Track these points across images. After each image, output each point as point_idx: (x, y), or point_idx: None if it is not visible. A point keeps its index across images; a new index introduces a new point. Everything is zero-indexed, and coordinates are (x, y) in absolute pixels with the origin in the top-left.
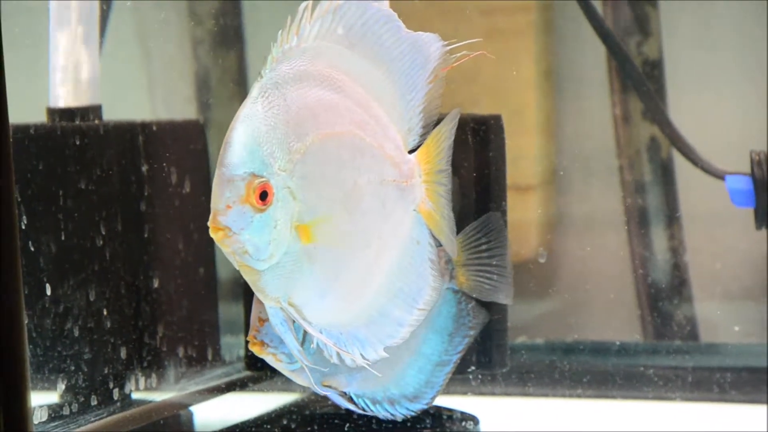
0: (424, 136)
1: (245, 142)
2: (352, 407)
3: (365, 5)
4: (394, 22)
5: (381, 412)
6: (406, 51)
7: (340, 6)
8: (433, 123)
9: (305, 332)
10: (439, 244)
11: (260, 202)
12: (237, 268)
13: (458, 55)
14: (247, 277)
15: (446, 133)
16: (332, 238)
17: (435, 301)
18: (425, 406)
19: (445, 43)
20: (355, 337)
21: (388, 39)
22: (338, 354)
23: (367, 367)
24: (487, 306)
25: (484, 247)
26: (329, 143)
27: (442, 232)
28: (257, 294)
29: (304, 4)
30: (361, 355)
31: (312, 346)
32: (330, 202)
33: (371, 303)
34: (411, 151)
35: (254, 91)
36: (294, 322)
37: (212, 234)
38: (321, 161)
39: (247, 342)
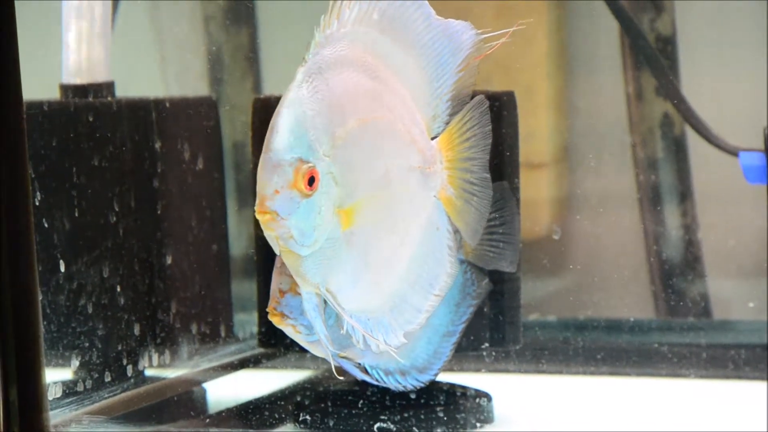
0: (449, 124)
1: (292, 127)
2: (366, 378)
3: None
4: (425, 8)
5: (393, 383)
6: (436, 38)
7: None
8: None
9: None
10: (456, 231)
11: (308, 187)
12: (278, 253)
13: (492, 44)
14: (289, 262)
15: (470, 120)
16: (367, 224)
17: (450, 286)
18: (433, 377)
19: (479, 31)
20: (380, 322)
21: (420, 25)
22: (364, 339)
23: (389, 349)
24: (501, 282)
25: (491, 216)
26: (368, 129)
27: (462, 219)
28: (297, 279)
29: None
30: (385, 340)
31: (342, 331)
32: (366, 188)
33: (395, 289)
34: (434, 138)
35: (299, 76)
36: (325, 306)
37: (259, 217)
38: (360, 147)
39: (261, 317)
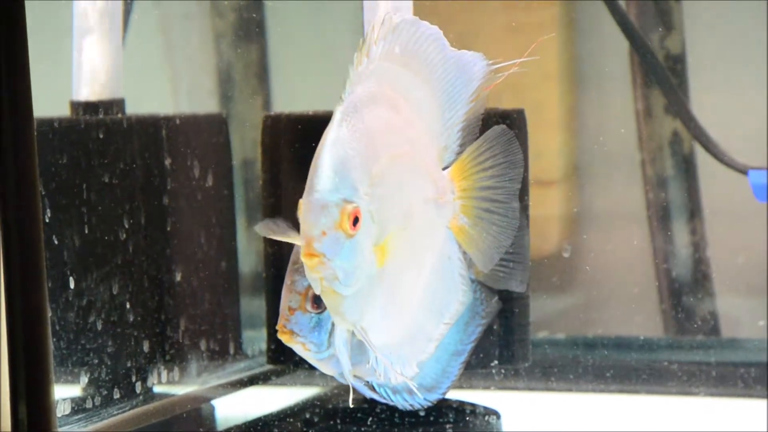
0: (460, 154)
1: (336, 167)
2: (375, 396)
3: (417, 23)
4: (440, 40)
5: (400, 402)
6: (450, 69)
7: (398, 25)
8: (471, 141)
9: (333, 326)
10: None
11: (352, 227)
12: (318, 292)
13: (502, 75)
14: (330, 302)
15: (489, 149)
16: (395, 259)
17: (460, 314)
18: (441, 396)
19: (490, 62)
20: (399, 355)
21: (435, 57)
22: (385, 371)
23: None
24: (510, 299)
25: None
26: (396, 164)
27: (476, 247)
28: (335, 318)
29: (370, 24)
30: (402, 372)
31: (367, 366)
32: (395, 223)
33: (413, 320)
34: (445, 168)
35: (337, 116)
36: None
37: (306, 260)
38: (391, 183)
39: (270, 334)
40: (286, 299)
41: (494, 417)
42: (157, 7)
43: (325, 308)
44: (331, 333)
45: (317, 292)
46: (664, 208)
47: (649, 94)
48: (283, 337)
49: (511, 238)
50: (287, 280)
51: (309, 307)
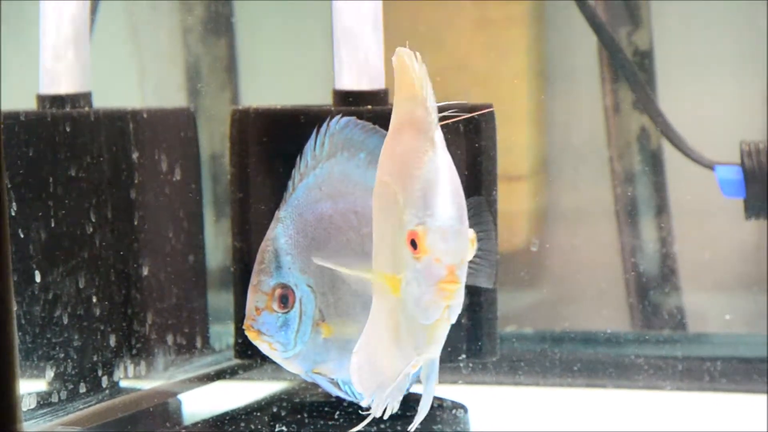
0: None
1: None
2: (340, 393)
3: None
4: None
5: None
6: None
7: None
8: None
9: (300, 325)
10: None
11: None
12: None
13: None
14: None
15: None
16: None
17: None
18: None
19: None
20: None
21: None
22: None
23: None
24: (478, 294)
25: None
26: None
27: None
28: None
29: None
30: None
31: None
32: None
33: None
34: None
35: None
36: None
37: (449, 286)
38: None
39: (237, 329)
40: (253, 299)
41: (461, 411)
42: (125, 0)
43: (292, 307)
44: (297, 332)
45: (445, 320)
46: (631, 203)
47: (618, 89)
48: (250, 335)
49: (495, 266)
50: (253, 280)
51: (275, 306)
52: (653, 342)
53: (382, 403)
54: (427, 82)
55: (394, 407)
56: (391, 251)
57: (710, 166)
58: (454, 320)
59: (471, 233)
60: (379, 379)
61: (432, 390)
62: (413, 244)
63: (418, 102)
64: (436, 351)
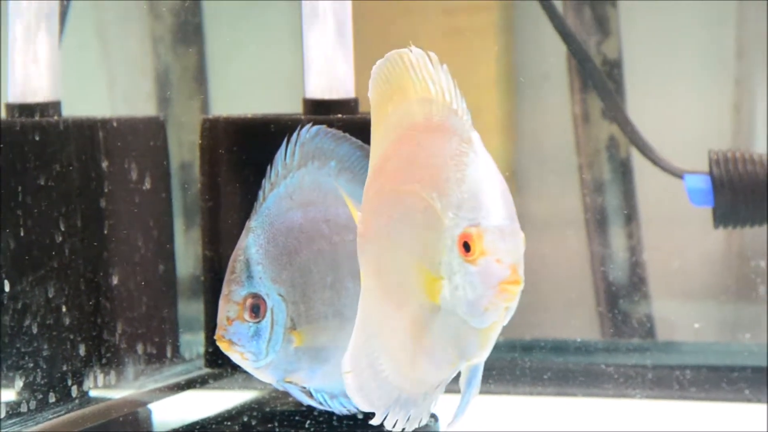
0: None
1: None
2: (311, 402)
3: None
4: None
5: (337, 407)
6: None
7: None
8: None
9: (272, 335)
10: None
11: None
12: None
13: None
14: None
15: None
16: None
17: None
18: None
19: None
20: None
21: None
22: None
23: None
24: None
25: None
26: None
27: None
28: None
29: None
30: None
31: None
32: None
33: None
34: None
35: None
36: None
37: (513, 287)
38: None
39: (208, 338)
40: (224, 309)
41: (432, 419)
42: (94, 8)
43: (263, 317)
44: (268, 341)
45: (501, 322)
46: (601, 211)
47: (587, 98)
48: (221, 345)
49: None
50: (224, 290)
51: (247, 316)
52: (623, 350)
53: (402, 420)
54: (452, 83)
55: (421, 420)
56: (418, 259)
57: (679, 174)
58: (506, 322)
59: (521, 232)
60: (394, 395)
61: (472, 395)
62: (466, 246)
63: (440, 104)
64: (486, 355)
